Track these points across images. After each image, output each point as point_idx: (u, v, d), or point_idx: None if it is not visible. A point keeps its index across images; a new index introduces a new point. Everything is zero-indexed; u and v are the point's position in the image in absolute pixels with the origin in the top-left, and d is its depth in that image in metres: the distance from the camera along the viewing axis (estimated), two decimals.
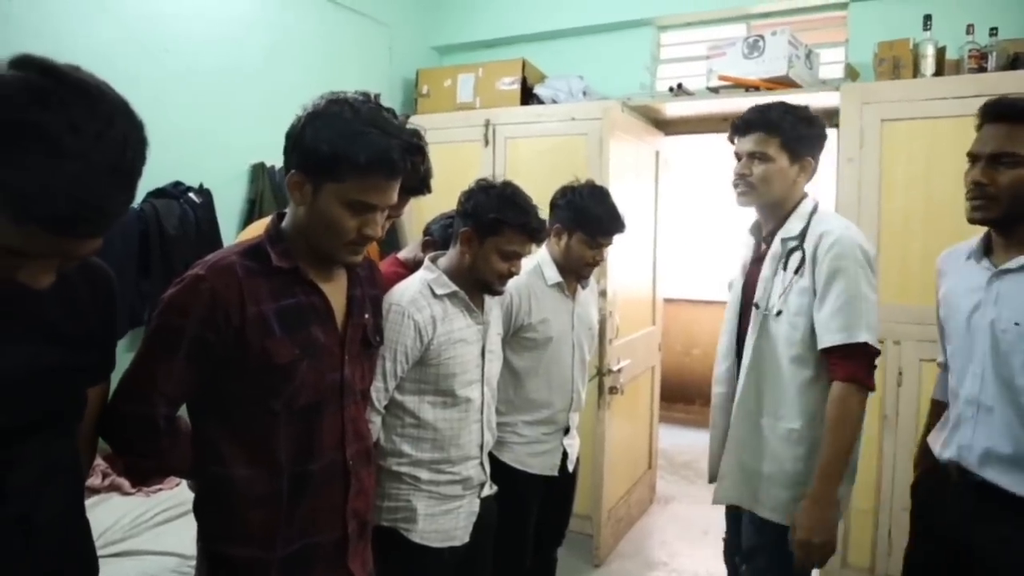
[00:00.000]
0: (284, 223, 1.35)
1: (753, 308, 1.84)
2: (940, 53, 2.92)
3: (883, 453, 2.84)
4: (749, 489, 1.85)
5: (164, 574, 1.96)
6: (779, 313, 1.79)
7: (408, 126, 1.35)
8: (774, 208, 1.88)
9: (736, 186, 1.88)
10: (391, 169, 1.27)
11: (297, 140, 1.27)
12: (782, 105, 1.86)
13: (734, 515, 1.98)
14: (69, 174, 0.80)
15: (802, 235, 1.79)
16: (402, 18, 4.08)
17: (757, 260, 1.91)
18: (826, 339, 1.71)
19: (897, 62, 2.96)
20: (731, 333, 1.95)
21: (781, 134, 1.81)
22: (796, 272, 1.77)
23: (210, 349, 1.22)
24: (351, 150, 1.22)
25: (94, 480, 2.25)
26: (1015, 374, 1.45)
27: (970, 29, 2.87)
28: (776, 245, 1.84)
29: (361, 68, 3.78)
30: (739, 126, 1.88)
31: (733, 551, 2.02)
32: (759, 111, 1.86)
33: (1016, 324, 1.44)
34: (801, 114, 1.84)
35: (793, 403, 1.78)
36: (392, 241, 3.36)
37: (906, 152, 2.82)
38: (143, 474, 1.35)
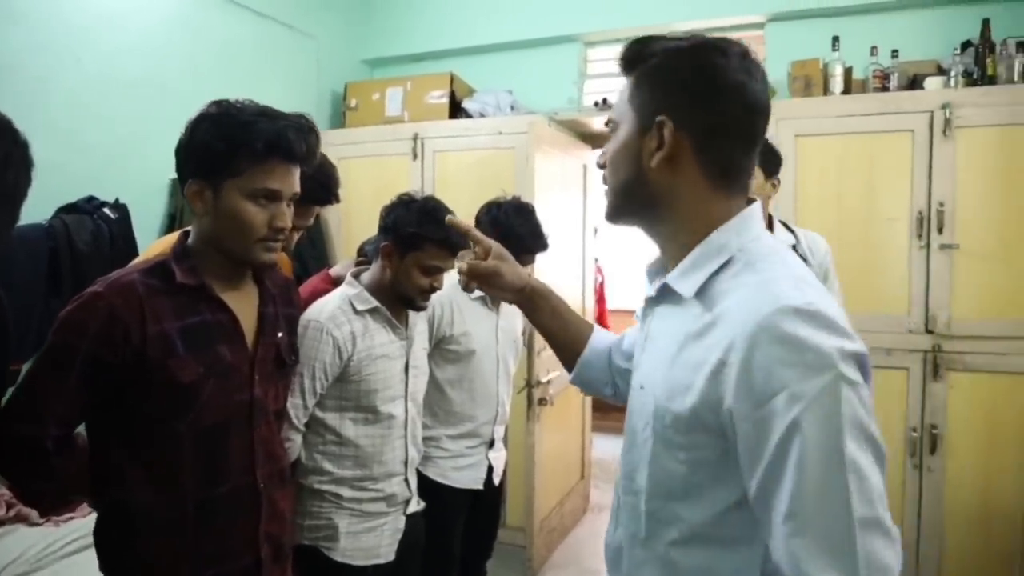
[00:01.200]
0: (190, 239, 1.32)
1: None
2: (848, 73, 3.08)
3: None
4: None
5: None
6: None
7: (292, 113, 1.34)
8: None
9: None
10: (288, 151, 1.26)
11: (188, 147, 1.26)
12: None
13: None
14: None
15: (794, 243, 2.11)
16: (331, 31, 4.04)
17: None
18: None
19: (808, 80, 3.10)
20: None
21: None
22: None
23: (107, 369, 1.18)
24: (246, 138, 1.22)
25: None
26: None
27: (874, 51, 3.03)
28: None
29: (288, 80, 3.73)
30: None
31: None
32: None
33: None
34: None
35: None
36: (320, 259, 3.32)
37: (818, 167, 2.94)
38: (39, 499, 1.28)
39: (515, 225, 2.17)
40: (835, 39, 3.08)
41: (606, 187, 0.98)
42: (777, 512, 0.75)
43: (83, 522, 2.17)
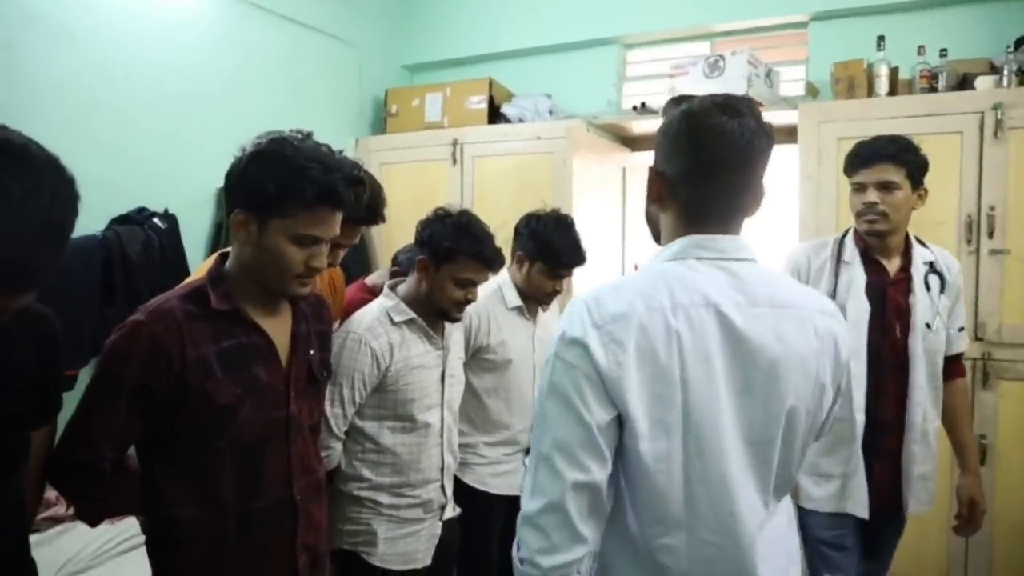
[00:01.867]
0: (228, 263, 1.38)
1: (923, 327, 1.94)
2: (893, 73, 3.00)
3: None
4: (914, 494, 1.98)
5: None
6: (960, 329, 2.05)
7: (345, 159, 1.38)
8: (896, 234, 1.98)
9: (863, 215, 1.96)
10: (337, 202, 1.30)
11: (240, 179, 1.30)
12: (901, 139, 1.98)
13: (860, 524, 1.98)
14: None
15: (933, 260, 2.01)
16: (370, 38, 4.10)
17: (892, 284, 1.98)
18: (962, 345, 2.07)
19: (852, 81, 3.03)
20: (863, 357, 1.94)
21: (907, 164, 1.92)
22: (941, 292, 1.98)
23: (152, 394, 1.24)
24: (297, 186, 1.25)
25: (58, 509, 2.24)
26: None
27: (921, 50, 2.95)
28: (920, 269, 1.98)
29: (330, 89, 3.80)
30: (863, 157, 1.98)
31: (845, 559, 2.03)
32: (883, 144, 1.96)
33: None
34: (913, 144, 1.98)
35: (939, 405, 2.02)
36: (362, 264, 3.38)
37: None
38: (94, 516, 1.36)
39: (554, 239, 2.18)
40: (880, 38, 3.00)
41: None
42: None
43: (134, 521, 2.26)
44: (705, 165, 1.05)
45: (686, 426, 1.00)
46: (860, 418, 1.92)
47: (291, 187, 1.25)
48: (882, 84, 2.98)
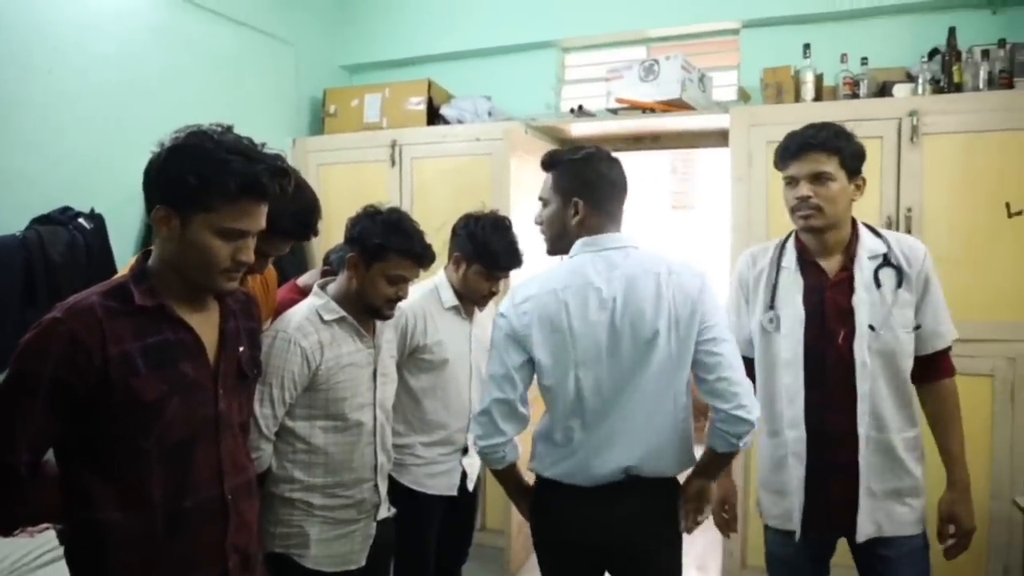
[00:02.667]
0: (151, 260, 1.34)
1: (866, 330, 1.75)
2: (818, 80, 3.12)
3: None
4: (884, 514, 1.78)
5: None
6: (916, 328, 1.79)
7: (268, 151, 1.37)
8: (835, 230, 1.81)
9: (797, 210, 1.81)
10: (261, 193, 1.29)
11: (160, 174, 1.27)
12: (832, 125, 1.82)
13: (814, 542, 1.87)
14: None
15: (887, 253, 1.79)
16: (309, 37, 4.05)
17: (831, 285, 1.81)
18: (939, 342, 1.81)
19: (780, 87, 3.14)
20: (799, 369, 1.80)
21: (840, 153, 1.76)
22: (898, 287, 1.77)
23: (71, 392, 1.20)
24: (220, 178, 1.23)
25: None
26: None
27: (844, 58, 3.07)
28: (864, 266, 1.78)
29: (267, 88, 3.74)
30: (791, 149, 1.81)
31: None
32: (812, 133, 1.80)
33: None
34: (845, 131, 1.81)
35: (911, 412, 1.82)
36: (297, 266, 3.33)
37: None
38: (9, 525, 1.30)
39: (491, 241, 2.19)
40: (806, 46, 3.12)
41: (544, 236, 1.78)
42: None
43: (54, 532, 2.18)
44: (613, 191, 1.71)
45: (576, 360, 1.61)
46: (793, 434, 1.81)
47: (213, 180, 1.23)
48: (808, 90, 3.09)
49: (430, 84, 3.77)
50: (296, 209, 1.60)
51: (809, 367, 1.80)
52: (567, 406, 1.64)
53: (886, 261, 1.79)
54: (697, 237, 6.03)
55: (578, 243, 1.67)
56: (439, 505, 2.23)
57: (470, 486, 2.35)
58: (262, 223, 1.33)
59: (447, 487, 2.25)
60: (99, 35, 2.87)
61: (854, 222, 1.86)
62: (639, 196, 6.36)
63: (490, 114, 3.71)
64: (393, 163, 3.60)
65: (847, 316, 1.77)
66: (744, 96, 3.46)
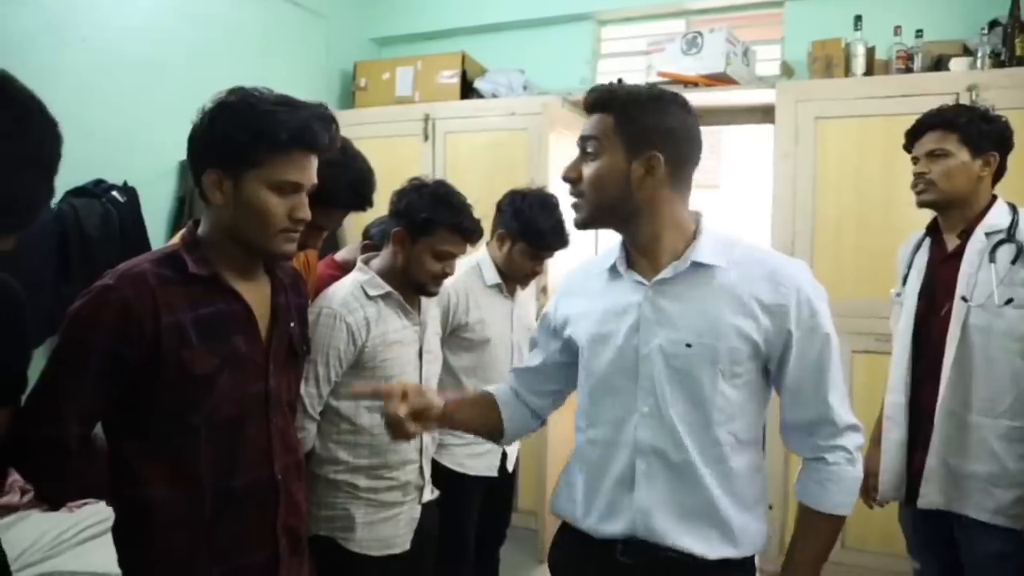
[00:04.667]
0: (201, 229, 1.29)
1: (959, 302, 1.75)
2: (870, 53, 3.00)
3: None
4: (958, 492, 1.76)
5: None
6: (1008, 302, 1.70)
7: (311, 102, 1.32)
8: (960, 205, 1.82)
9: (914, 186, 1.86)
10: (312, 141, 1.24)
11: (206, 136, 1.22)
12: (957, 105, 1.89)
13: (923, 514, 1.87)
14: None
15: (1011, 228, 1.73)
16: (339, 9, 3.98)
17: (943, 259, 1.84)
18: None
19: (829, 61, 3.02)
20: (908, 338, 1.86)
21: (959, 129, 1.78)
22: (1013, 263, 1.70)
23: (123, 362, 1.15)
24: (269, 129, 1.19)
25: (11, 497, 2.12)
26: None
27: (897, 30, 2.96)
28: (978, 240, 1.76)
29: (297, 60, 3.67)
30: (914, 129, 1.88)
31: (919, 549, 1.97)
32: (935, 112, 1.86)
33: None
34: (978, 111, 1.85)
35: (1017, 398, 1.71)
36: (329, 242, 3.28)
37: (838, 149, 2.88)
38: (57, 499, 1.27)
39: (539, 220, 2.12)
40: (857, 18, 3.00)
41: (580, 200, 1.23)
42: None
43: (98, 507, 2.16)
44: (697, 151, 1.25)
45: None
46: (892, 399, 1.87)
47: (263, 132, 1.18)
48: (859, 64, 2.98)
49: (464, 57, 3.69)
50: (352, 179, 1.55)
51: (916, 338, 1.86)
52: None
53: (1009, 237, 1.73)
54: (724, 217, 5.93)
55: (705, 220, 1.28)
56: (480, 486, 2.19)
57: (510, 467, 2.30)
58: (314, 176, 1.28)
59: (488, 468, 2.20)
60: (130, 7, 2.82)
61: (994, 197, 1.84)
62: None
63: (525, 88, 3.62)
64: (426, 138, 3.53)
65: (952, 290, 1.78)
66: (787, 71, 3.35)
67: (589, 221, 1.24)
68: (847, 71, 3.01)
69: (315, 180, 1.28)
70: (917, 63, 2.91)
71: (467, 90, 3.68)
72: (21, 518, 2.10)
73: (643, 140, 1.16)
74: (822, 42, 3.06)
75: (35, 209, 0.85)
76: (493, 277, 2.19)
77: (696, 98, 3.42)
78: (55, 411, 1.15)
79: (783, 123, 2.97)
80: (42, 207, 0.86)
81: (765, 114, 3.54)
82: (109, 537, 1.91)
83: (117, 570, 1.27)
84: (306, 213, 1.26)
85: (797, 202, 2.94)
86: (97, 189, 2.59)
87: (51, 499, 1.27)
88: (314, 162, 1.27)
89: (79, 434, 1.17)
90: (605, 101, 1.21)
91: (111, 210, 2.57)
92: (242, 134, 1.18)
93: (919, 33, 2.94)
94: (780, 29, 3.54)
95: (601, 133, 1.19)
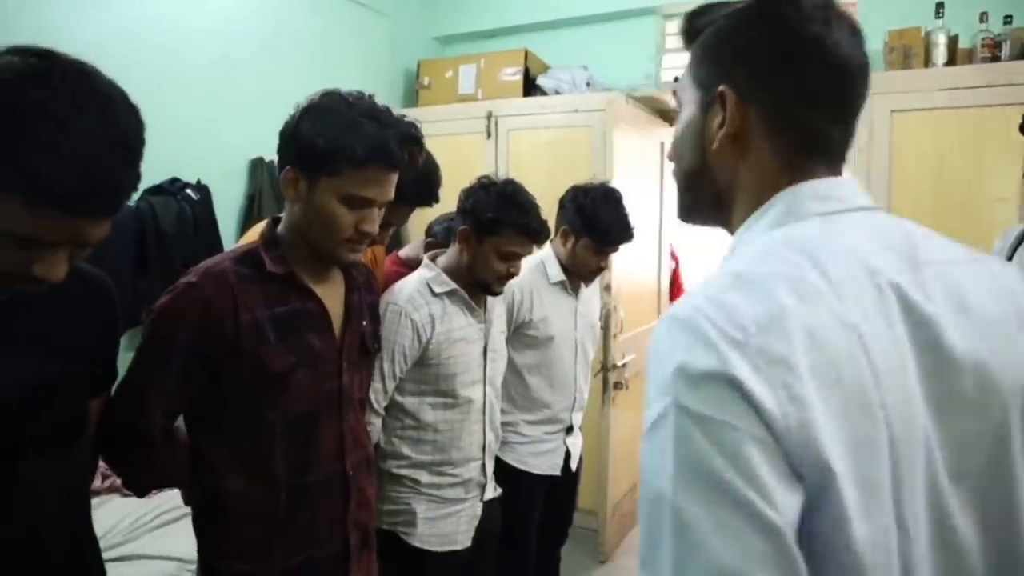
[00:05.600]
0: (280, 227, 1.32)
1: None
2: (952, 42, 2.86)
3: None
4: None
5: None
6: None
7: (403, 117, 1.31)
8: None
9: None
10: (389, 160, 1.24)
11: (292, 135, 1.24)
12: None
13: None
14: (78, 150, 0.80)
15: None
16: (403, 8, 4.02)
17: None
18: None
19: (908, 51, 2.89)
20: None
21: None
22: None
23: (204, 358, 1.19)
24: (348, 142, 1.19)
25: (94, 482, 2.22)
26: None
27: (983, 17, 2.81)
28: None
29: (361, 60, 3.72)
30: None
31: None
32: None
33: None
34: None
35: None
36: (394, 240, 3.32)
37: (915, 144, 2.76)
38: (141, 487, 1.32)
39: (602, 215, 2.10)
40: (939, 5, 2.86)
41: (676, 175, 0.83)
42: None
43: (172, 494, 2.24)
44: (833, 78, 0.71)
45: (897, 483, 0.59)
46: None
47: (341, 142, 1.18)
48: (940, 53, 2.84)
49: (527, 54, 3.67)
50: (418, 175, 1.55)
51: None
52: None
53: None
54: None
55: (785, 198, 0.71)
56: (543, 485, 2.18)
57: (573, 465, 2.28)
58: (390, 193, 1.28)
59: (551, 466, 2.19)
60: (201, 10, 2.90)
61: None
62: None
63: (588, 85, 3.58)
64: (489, 135, 3.53)
65: None
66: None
67: (683, 212, 0.83)
68: (927, 62, 2.87)
69: (391, 196, 1.28)
70: (1005, 51, 2.76)
71: (530, 87, 3.66)
72: (102, 502, 2.19)
73: (712, 72, 0.75)
74: (899, 31, 2.93)
75: (124, 193, 0.87)
76: (557, 274, 2.18)
77: None
78: (141, 403, 1.19)
79: None
80: (130, 191, 0.88)
81: None
82: (184, 523, 1.98)
83: (191, 554, 1.31)
84: (373, 228, 1.26)
85: (872, 198, 2.82)
86: (172, 187, 2.67)
87: (136, 487, 1.31)
88: (392, 178, 1.27)
89: (163, 426, 1.21)
90: (687, 28, 0.80)
91: (185, 208, 2.66)
92: (321, 142, 1.19)
93: (1007, 19, 2.78)
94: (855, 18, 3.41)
95: (683, 78, 0.81)
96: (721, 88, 0.73)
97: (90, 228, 0.86)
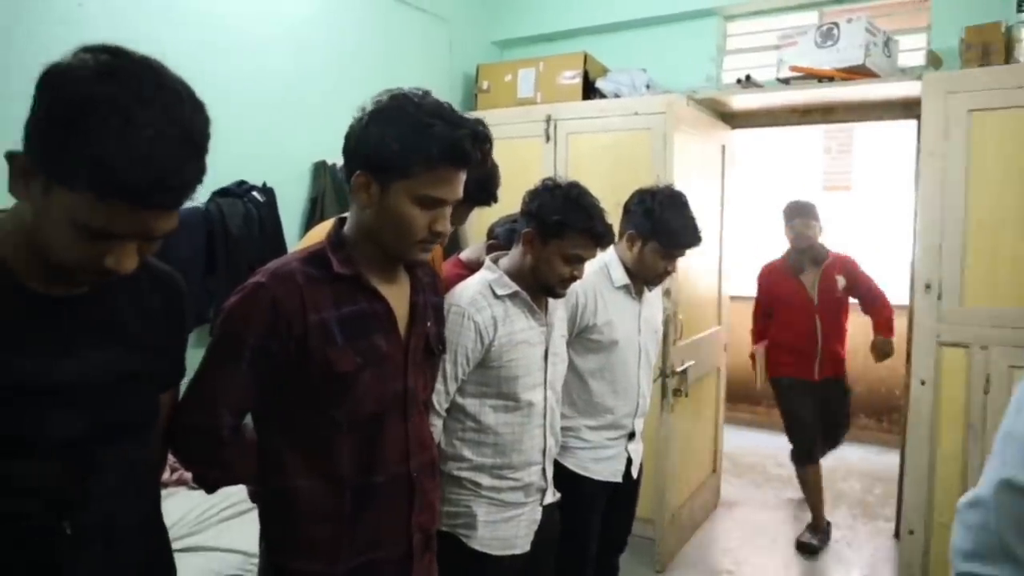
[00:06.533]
0: (346, 228, 1.32)
1: None
2: None
3: (968, 466, 2.68)
4: None
5: (228, 571, 1.97)
6: None
7: (468, 116, 1.31)
8: None
9: None
10: (463, 160, 1.23)
11: (361, 139, 1.23)
12: None
13: None
14: (145, 143, 0.82)
15: None
16: (462, 13, 4.05)
17: None
18: None
19: (987, 48, 2.78)
20: None
21: None
22: None
23: (273, 358, 1.20)
24: (422, 143, 1.19)
25: (163, 474, 2.29)
26: None
27: None
28: None
29: (422, 64, 3.77)
30: None
31: None
32: None
33: None
34: None
35: None
36: (453, 240, 3.34)
37: (996, 144, 2.64)
38: (211, 484, 1.34)
39: (670, 218, 2.07)
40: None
41: None
42: None
43: (237, 487, 2.28)
44: None
45: None
46: None
47: (415, 145, 1.18)
48: (1022, 50, 2.71)
49: (585, 57, 3.65)
50: (478, 175, 1.55)
51: None
52: None
53: None
54: (856, 221, 5.57)
55: None
56: (603, 491, 2.15)
57: (634, 472, 2.25)
58: (460, 191, 1.27)
59: (612, 473, 2.16)
60: (269, 21, 2.97)
61: None
62: (790, 175, 6.01)
63: (648, 87, 3.54)
64: (548, 139, 3.52)
65: None
66: (935, 61, 3.10)
67: None
68: (1007, 58, 2.75)
69: (460, 195, 1.28)
70: None
71: (589, 90, 3.64)
72: (170, 494, 2.25)
73: None
74: (978, 28, 2.81)
75: (189, 186, 0.88)
76: (622, 278, 2.15)
77: (831, 93, 3.26)
78: (210, 402, 1.21)
79: (931, 117, 2.74)
80: (195, 184, 0.89)
81: (907, 109, 3.31)
82: (249, 516, 2.01)
83: (253, 547, 1.33)
84: (446, 227, 1.26)
85: (946, 203, 2.71)
86: (239, 189, 2.74)
87: (206, 485, 1.34)
88: (462, 177, 1.27)
89: (231, 425, 1.23)
90: None
91: (252, 209, 2.72)
92: (394, 144, 1.19)
93: None
94: (926, 16, 3.29)
95: None
96: None
97: (156, 220, 0.88)
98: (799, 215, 3.55)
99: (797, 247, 3.56)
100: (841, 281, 3.49)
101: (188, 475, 2.32)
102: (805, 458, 3.56)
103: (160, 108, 0.84)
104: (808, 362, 3.52)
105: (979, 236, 2.67)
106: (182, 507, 2.17)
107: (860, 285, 3.53)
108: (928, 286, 2.74)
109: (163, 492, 2.19)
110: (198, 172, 0.89)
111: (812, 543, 3.42)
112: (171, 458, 2.32)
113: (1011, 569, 0.78)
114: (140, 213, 0.85)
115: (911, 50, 3.36)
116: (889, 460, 4.33)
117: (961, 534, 0.85)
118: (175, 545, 1.94)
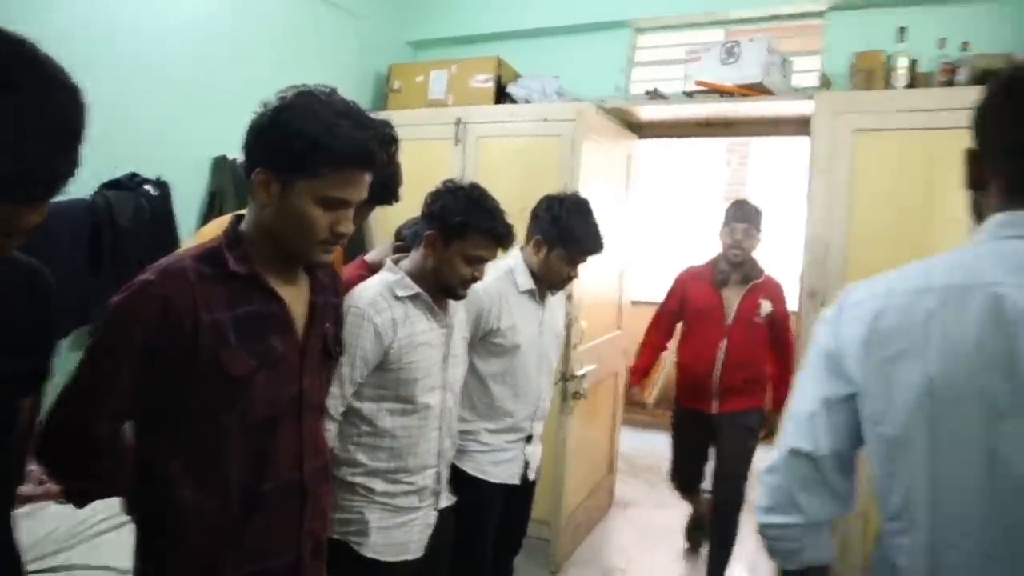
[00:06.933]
0: (243, 225, 1.26)
1: None
2: (913, 66, 2.93)
3: None
4: None
5: None
6: None
7: (375, 117, 1.29)
8: None
9: None
10: (370, 161, 1.21)
11: (262, 136, 1.19)
12: None
13: None
14: (13, 134, 0.76)
15: None
16: (375, 10, 3.98)
17: None
18: None
19: (871, 74, 2.96)
20: None
21: None
22: None
23: (159, 359, 1.13)
24: (327, 143, 1.15)
25: (29, 487, 2.11)
26: None
27: (942, 43, 2.88)
28: None
29: (330, 60, 3.68)
30: None
31: None
32: None
33: None
34: None
35: None
36: (356, 242, 3.28)
37: (876, 163, 2.81)
38: (81, 497, 1.25)
39: (575, 225, 2.11)
40: (901, 30, 2.93)
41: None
42: None
43: (112, 501, 2.15)
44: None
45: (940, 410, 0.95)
46: None
47: (321, 144, 1.14)
48: (900, 77, 2.91)
49: (499, 62, 3.66)
50: (381, 175, 1.53)
51: None
52: (930, 489, 0.93)
53: None
54: (763, 235, 5.82)
55: (992, 223, 0.99)
56: (500, 494, 2.15)
57: (531, 475, 2.26)
58: (364, 193, 1.24)
59: (510, 475, 2.17)
60: (164, 5, 2.82)
61: None
62: (692, 185, 6.24)
63: (558, 94, 3.59)
64: (457, 141, 3.51)
65: None
66: (825, 83, 3.28)
67: None
68: (887, 84, 2.94)
69: (364, 196, 1.25)
70: (961, 76, 2.83)
71: (501, 95, 3.66)
72: (39, 508, 2.08)
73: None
74: (865, 53, 3.00)
75: (61, 178, 0.82)
76: (526, 283, 2.16)
77: (732, 108, 3.39)
78: (88, 407, 1.13)
79: (820, 135, 2.90)
80: (67, 177, 0.83)
81: (800, 126, 3.48)
82: (123, 531, 1.88)
83: (129, 564, 1.24)
84: (348, 228, 1.23)
85: (833, 219, 2.87)
86: (131, 182, 2.59)
87: (75, 498, 1.25)
88: (367, 179, 1.24)
89: (110, 432, 1.15)
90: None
91: (143, 203, 2.58)
92: (299, 142, 1.15)
93: (964, 46, 2.86)
94: (819, 40, 3.48)
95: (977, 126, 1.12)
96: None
97: (19, 214, 0.82)
98: (744, 220, 3.05)
99: (730, 257, 3.07)
100: (766, 307, 3.03)
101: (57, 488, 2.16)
102: (679, 488, 3.39)
103: (31, 96, 0.78)
104: (704, 391, 3.05)
105: (859, 249, 2.83)
106: (49, 523, 1.98)
107: (777, 323, 3.09)
108: (812, 294, 2.89)
109: (28, 507, 2.05)
110: (71, 164, 0.83)
111: (698, 535, 3.46)
112: (38, 469, 2.17)
113: (796, 515, 1.05)
114: (5, 207, 0.79)
115: (806, 71, 3.54)
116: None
117: (762, 493, 1.09)
118: (38, 565, 1.81)
